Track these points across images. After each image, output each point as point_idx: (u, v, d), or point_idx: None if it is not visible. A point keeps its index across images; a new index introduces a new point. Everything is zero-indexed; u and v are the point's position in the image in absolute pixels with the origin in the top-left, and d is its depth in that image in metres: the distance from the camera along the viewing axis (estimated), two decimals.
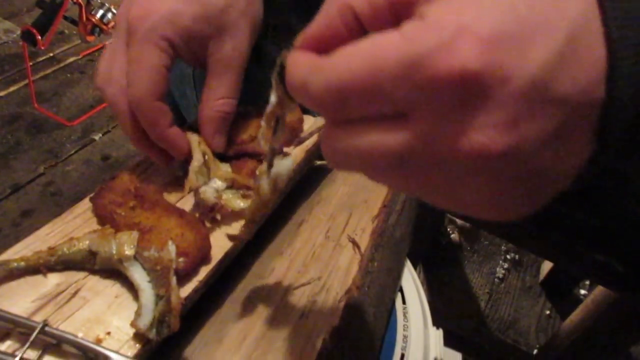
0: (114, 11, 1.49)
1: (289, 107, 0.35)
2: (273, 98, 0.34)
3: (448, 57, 0.21)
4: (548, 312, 1.32)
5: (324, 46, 0.27)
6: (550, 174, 0.24)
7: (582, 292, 1.38)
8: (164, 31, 0.45)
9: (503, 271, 1.40)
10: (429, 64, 0.21)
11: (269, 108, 0.35)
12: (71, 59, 1.71)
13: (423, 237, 1.25)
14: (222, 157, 0.52)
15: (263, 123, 0.36)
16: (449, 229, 1.44)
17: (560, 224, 0.71)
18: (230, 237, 0.44)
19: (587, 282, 1.38)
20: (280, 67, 0.32)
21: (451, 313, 1.24)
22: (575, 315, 1.01)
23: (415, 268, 1.28)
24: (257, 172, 0.40)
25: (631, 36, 0.22)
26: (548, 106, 0.22)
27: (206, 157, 0.50)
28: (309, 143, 0.57)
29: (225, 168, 0.50)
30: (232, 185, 0.48)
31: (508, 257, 1.43)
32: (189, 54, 0.49)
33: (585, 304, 0.97)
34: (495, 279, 1.37)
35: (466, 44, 0.21)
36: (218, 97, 0.49)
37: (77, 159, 1.37)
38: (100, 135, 1.46)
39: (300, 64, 0.26)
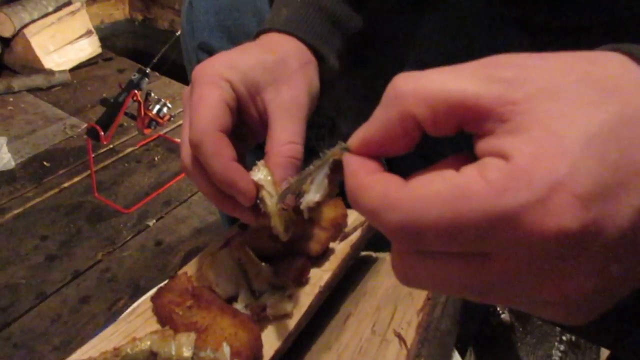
0: (169, 105, 1.61)
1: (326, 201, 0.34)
2: (316, 195, 0.33)
3: (543, 217, 0.21)
4: None
5: (382, 150, 0.27)
6: (624, 290, 0.24)
7: None
8: (224, 74, 0.45)
9: (560, 354, 1.33)
10: (520, 221, 0.21)
11: (308, 201, 0.34)
12: (129, 150, 1.83)
13: (472, 318, 1.22)
14: (263, 257, 0.52)
15: (301, 214, 0.36)
16: (498, 309, 1.40)
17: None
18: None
19: None
20: (333, 164, 0.31)
21: None
22: None
23: (465, 351, 1.24)
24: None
25: None
26: (634, 247, 0.22)
27: (241, 259, 0.50)
28: (353, 237, 0.60)
29: (266, 269, 0.51)
30: (276, 287, 0.50)
31: (564, 338, 1.36)
32: (248, 100, 0.47)
33: None
34: None
35: (562, 203, 0.20)
36: (283, 142, 0.45)
37: (132, 245, 1.44)
38: (154, 221, 1.53)
39: (371, 192, 0.25)
